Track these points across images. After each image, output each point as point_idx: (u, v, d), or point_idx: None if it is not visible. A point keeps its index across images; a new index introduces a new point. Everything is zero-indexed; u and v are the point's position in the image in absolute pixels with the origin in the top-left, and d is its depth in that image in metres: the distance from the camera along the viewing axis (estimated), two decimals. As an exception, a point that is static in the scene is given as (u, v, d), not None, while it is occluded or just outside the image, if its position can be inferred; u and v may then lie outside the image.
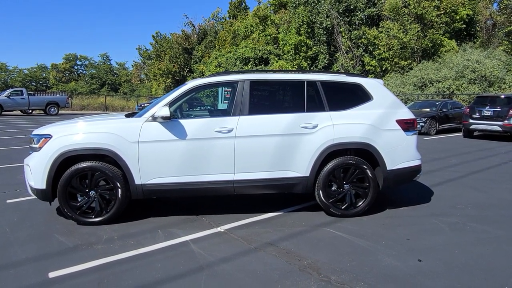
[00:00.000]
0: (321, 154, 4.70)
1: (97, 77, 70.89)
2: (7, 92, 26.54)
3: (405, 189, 6.23)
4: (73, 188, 4.46)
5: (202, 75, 37.74)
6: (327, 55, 31.05)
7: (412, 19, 27.17)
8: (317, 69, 30.00)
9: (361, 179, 4.85)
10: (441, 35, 27.81)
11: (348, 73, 5.57)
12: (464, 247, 3.92)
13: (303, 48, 31.08)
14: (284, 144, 4.68)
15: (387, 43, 27.43)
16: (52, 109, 27.41)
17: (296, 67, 30.94)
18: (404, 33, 26.91)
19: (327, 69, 30.30)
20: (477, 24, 31.09)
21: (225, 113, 5.41)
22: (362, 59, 29.66)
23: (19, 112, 27.97)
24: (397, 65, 28.03)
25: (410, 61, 27.81)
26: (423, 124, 15.04)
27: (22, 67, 72.18)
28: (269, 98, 5.33)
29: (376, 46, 28.18)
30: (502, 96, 13.78)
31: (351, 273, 3.34)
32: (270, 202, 5.47)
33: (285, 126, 4.70)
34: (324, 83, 5.00)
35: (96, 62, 75.73)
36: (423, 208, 5.26)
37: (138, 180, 4.51)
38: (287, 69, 30.02)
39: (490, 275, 3.31)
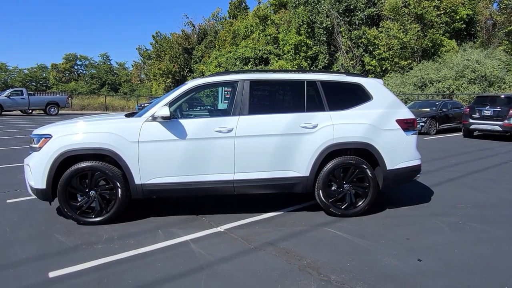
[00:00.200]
0: (321, 154, 4.71)
1: (97, 77, 70.89)
2: (7, 92, 26.55)
3: (405, 189, 6.23)
4: (73, 188, 4.46)
5: (202, 75, 37.74)
6: (327, 55, 31.05)
7: (412, 19, 27.17)
8: (317, 69, 30.00)
9: (361, 178, 4.85)
10: (441, 35, 27.81)
11: (348, 73, 5.57)
12: (464, 246, 3.92)
13: (303, 48, 31.08)
14: (284, 144, 4.68)
15: (387, 43, 27.43)
16: (52, 109, 27.41)
17: (296, 67, 30.94)
18: (404, 33, 26.91)
19: (327, 69, 30.30)
20: (477, 24, 31.09)
21: (225, 113, 5.41)
22: (362, 59, 29.65)
23: (19, 112, 27.98)
24: (397, 65, 28.03)
25: (410, 61, 27.82)
26: (423, 124, 15.04)
27: (22, 67, 72.25)
28: (269, 98, 5.33)
29: (376, 46, 28.18)
30: (502, 96, 13.79)
31: (351, 272, 3.34)
32: (270, 202, 5.47)
33: (285, 126, 4.70)
34: (324, 83, 5.00)
35: (96, 62, 75.81)
36: (423, 208, 5.27)
37: (138, 180, 4.51)
38: (287, 69, 30.03)
39: (490, 274, 3.32)
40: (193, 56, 46.72)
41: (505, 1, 29.29)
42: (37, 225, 4.55)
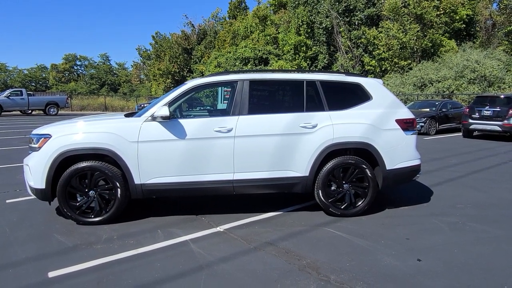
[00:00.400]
0: (320, 153, 4.70)
1: (97, 77, 70.87)
2: (7, 92, 26.55)
3: (405, 188, 6.23)
4: (72, 188, 4.46)
5: (201, 75, 37.74)
6: (326, 55, 31.07)
7: (411, 19, 27.18)
8: (316, 69, 30.01)
9: (361, 178, 4.85)
10: (440, 35, 27.83)
11: (347, 73, 5.57)
12: (464, 246, 3.92)
13: (302, 48, 31.09)
14: (284, 144, 4.68)
15: (387, 43, 27.45)
16: (52, 110, 27.41)
17: (296, 67, 30.96)
18: (404, 33, 26.92)
19: (326, 69, 30.32)
20: (477, 24, 31.11)
21: (224, 112, 5.41)
22: (361, 59, 29.67)
23: (18, 112, 27.96)
24: (396, 65, 28.04)
25: (409, 61, 27.83)
26: (422, 124, 15.05)
27: (21, 67, 72.13)
28: (268, 98, 5.33)
29: (376, 46, 28.19)
30: (502, 96, 13.79)
31: (351, 272, 3.34)
32: (269, 202, 5.47)
33: (284, 126, 4.70)
34: (323, 83, 5.00)
35: (95, 62, 75.80)
36: (422, 208, 5.26)
37: (137, 180, 4.51)
38: (286, 69, 30.03)
39: (490, 274, 3.31)
40: (192, 57, 46.75)
41: (504, 1, 29.29)
42: (37, 225, 4.54)
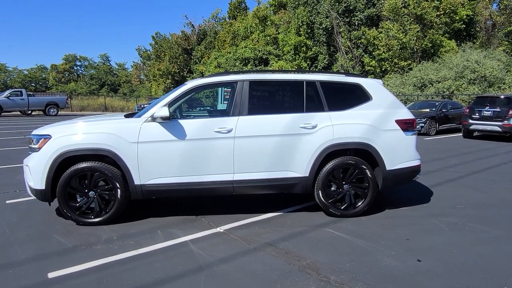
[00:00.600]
0: (320, 154, 4.70)
1: (97, 77, 70.91)
2: (7, 92, 26.55)
3: (405, 189, 6.23)
4: (72, 189, 4.46)
5: (201, 75, 37.75)
6: (326, 56, 31.08)
7: (411, 19, 27.19)
8: (316, 70, 30.01)
9: (361, 179, 4.85)
10: (440, 36, 27.84)
11: (347, 73, 5.57)
12: (464, 247, 3.92)
13: (302, 48, 31.11)
14: (284, 144, 4.68)
15: (387, 43, 27.46)
16: (52, 110, 27.41)
17: (296, 67, 30.97)
18: (404, 34, 26.93)
19: (326, 69, 30.33)
20: (477, 25, 31.13)
21: (224, 113, 5.40)
22: (361, 59, 29.69)
23: (18, 112, 27.97)
24: (396, 66, 28.06)
25: (409, 62, 27.84)
26: (422, 125, 15.05)
27: (21, 68, 72.32)
28: (268, 98, 5.33)
29: (376, 47, 28.21)
30: (502, 97, 13.79)
31: (350, 273, 3.34)
32: (269, 203, 5.46)
33: (284, 126, 4.70)
34: (323, 83, 5.00)
35: (95, 62, 75.86)
36: (422, 208, 5.26)
37: (137, 181, 4.51)
38: (286, 69, 30.04)
39: (490, 275, 3.31)
40: (192, 57, 46.75)
41: (504, 2, 29.30)
42: (37, 226, 4.54)
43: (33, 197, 4.68)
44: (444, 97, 23.20)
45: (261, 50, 34.76)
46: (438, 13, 27.17)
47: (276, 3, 40.73)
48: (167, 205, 5.42)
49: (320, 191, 4.76)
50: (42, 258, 3.65)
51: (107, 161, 4.51)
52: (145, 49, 58.14)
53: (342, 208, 4.83)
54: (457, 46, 27.86)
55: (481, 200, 5.65)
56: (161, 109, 4.50)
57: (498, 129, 13.07)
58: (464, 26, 28.73)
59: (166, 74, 46.16)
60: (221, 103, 13.60)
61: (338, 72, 6.28)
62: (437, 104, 16.44)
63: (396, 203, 5.50)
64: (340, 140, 4.75)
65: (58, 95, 33.36)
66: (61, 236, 4.22)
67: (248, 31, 38.65)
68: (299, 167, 4.72)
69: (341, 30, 29.66)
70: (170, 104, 4.66)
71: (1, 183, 6.72)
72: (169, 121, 4.55)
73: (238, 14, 45.40)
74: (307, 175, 4.72)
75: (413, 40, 26.91)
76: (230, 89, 5.95)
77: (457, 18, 27.86)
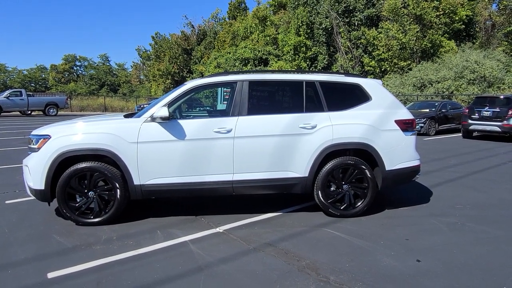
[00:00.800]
0: (320, 154, 4.70)
1: (97, 78, 70.93)
2: (6, 93, 26.53)
3: (404, 189, 6.23)
4: (72, 189, 4.45)
5: (201, 75, 37.73)
6: (326, 56, 31.09)
7: (411, 19, 27.21)
8: (316, 70, 30.01)
9: (360, 179, 4.85)
10: (440, 36, 27.85)
11: (347, 73, 5.58)
12: (463, 247, 3.92)
13: (302, 48, 31.11)
14: (283, 145, 4.68)
15: (386, 43, 27.47)
16: (51, 110, 27.40)
17: (296, 67, 30.97)
18: (403, 34, 26.94)
19: (326, 69, 30.34)
20: (476, 25, 31.15)
21: (224, 113, 5.40)
22: (361, 59, 29.70)
23: (18, 113, 27.96)
24: (396, 66, 28.07)
25: (409, 62, 27.86)
26: (422, 125, 15.05)
27: (21, 68, 72.50)
28: (268, 99, 5.33)
29: (376, 47, 28.22)
30: (501, 97, 13.80)
31: (350, 273, 3.34)
32: (269, 203, 5.46)
33: (284, 127, 4.70)
34: (323, 83, 5.00)
35: (95, 63, 75.88)
36: (422, 209, 5.27)
37: (137, 181, 4.51)
38: (286, 69, 30.04)
39: (489, 275, 3.31)
40: (192, 57, 46.74)
41: (504, 2, 29.32)
42: (36, 226, 4.54)
43: (33, 197, 4.68)
44: (444, 97, 23.21)
45: (261, 50, 34.76)
46: (437, 13, 27.19)
47: (276, 3, 40.74)
48: (167, 205, 5.42)
49: (319, 191, 4.76)
50: (42, 258, 3.64)
51: (106, 161, 4.51)
52: (144, 49, 58.21)
53: (341, 208, 4.83)
54: (457, 46, 27.88)
55: (480, 200, 5.65)
56: (160, 109, 4.50)
57: (498, 129, 13.07)
58: (464, 26, 28.76)
59: (165, 74, 46.14)
60: (220, 103, 13.61)
61: (337, 72, 6.29)
62: (436, 104, 16.45)
63: (396, 203, 5.50)
64: (340, 140, 4.75)
65: (58, 95, 33.31)
66: (60, 236, 4.22)
67: (248, 31, 38.66)
68: (298, 167, 4.72)
69: (340, 30, 29.68)
70: (169, 104, 4.66)
71: (0, 183, 6.71)
72: (169, 121, 4.55)
73: (238, 14, 45.40)
74: (306, 175, 4.72)
75: (413, 40, 26.92)
76: (229, 89, 5.95)
77: (457, 18, 27.88)
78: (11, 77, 66.42)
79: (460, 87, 23.22)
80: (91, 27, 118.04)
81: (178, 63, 46.50)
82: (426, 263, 3.54)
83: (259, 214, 4.93)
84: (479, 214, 5.02)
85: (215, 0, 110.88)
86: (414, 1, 26.76)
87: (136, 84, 66.05)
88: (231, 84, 5.02)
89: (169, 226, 4.52)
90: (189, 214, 4.99)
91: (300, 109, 4.89)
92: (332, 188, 4.83)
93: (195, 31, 49.42)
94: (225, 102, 9.56)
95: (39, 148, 4.48)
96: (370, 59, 29.00)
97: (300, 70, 6.04)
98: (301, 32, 30.99)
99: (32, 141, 4.64)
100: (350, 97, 5.05)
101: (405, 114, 5.11)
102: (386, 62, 28.34)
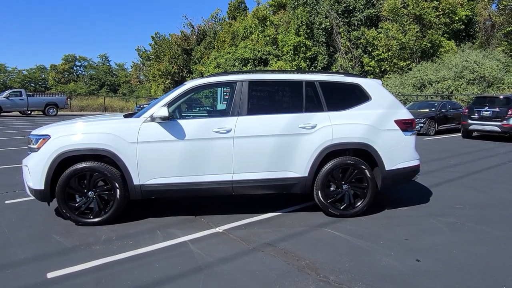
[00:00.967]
0: (319, 154, 4.70)
1: (96, 78, 70.95)
2: (6, 93, 26.53)
3: (404, 189, 6.23)
4: (71, 189, 4.45)
5: (201, 76, 37.72)
6: (326, 56, 31.08)
7: (411, 19, 27.22)
8: (316, 70, 30.01)
9: (360, 179, 4.85)
10: (440, 36, 27.86)
11: (346, 73, 5.58)
12: (463, 247, 3.92)
13: (302, 48, 31.11)
14: (283, 145, 4.68)
15: (386, 43, 27.48)
16: (51, 110, 27.40)
17: (295, 67, 30.97)
18: (403, 34, 26.94)
19: (326, 69, 30.33)
20: (476, 25, 31.15)
21: (223, 113, 5.40)
22: (361, 59, 29.70)
23: (18, 113, 27.95)
24: (396, 66, 28.07)
25: (409, 62, 27.86)
26: (422, 125, 15.06)
27: (21, 68, 72.49)
28: (267, 99, 5.33)
29: (375, 47, 28.23)
30: (501, 97, 13.80)
31: (350, 273, 3.34)
32: (268, 203, 5.46)
33: (283, 126, 4.70)
34: (322, 83, 5.00)
35: (95, 63, 75.90)
36: (421, 208, 5.27)
37: (136, 181, 4.51)
38: (285, 69, 30.03)
39: (489, 275, 3.32)
40: (192, 57, 46.73)
41: (504, 2, 29.31)
42: (36, 226, 4.54)
43: (32, 197, 4.67)
44: (444, 97, 23.22)
45: (261, 51, 34.74)
46: (437, 13, 27.20)
47: (276, 4, 40.73)
48: (166, 205, 5.42)
49: (319, 191, 4.76)
50: (41, 258, 3.64)
51: (106, 161, 4.51)
52: (144, 49, 58.19)
53: (341, 208, 4.83)
54: (456, 47, 27.89)
55: (480, 200, 5.65)
56: (160, 109, 4.49)
57: (497, 129, 13.07)
58: (463, 26, 28.77)
59: (165, 74, 46.14)
60: (220, 103, 13.61)
61: (337, 72, 6.29)
62: (436, 104, 16.46)
63: (395, 203, 5.50)
64: (339, 140, 4.75)
65: (58, 95, 33.30)
66: (60, 236, 4.22)
67: (248, 31, 38.64)
68: (298, 167, 4.72)
69: (340, 30, 29.68)
70: (169, 104, 4.66)
71: (0, 183, 6.71)
72: (168, 121, 4.55)
73: (238, 14, 45.40)
74: (306, 175, 4.72)
75: (413, 40, 26.93)
76: (229, 89, 5.95)
77: (456, 18, 27.90)
78: (11, 77, 66.44)
79: (460, 87, 23.23)
80: (91, 27, 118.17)
81: (178, 63, 46.49)
82: (426, 263, 3.54)
83: (258, 214, 4.93)
84: (478, 214, 5.02)
85: (215, 0, 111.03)
86: (414, 1, 26.77)
87: (136, 84, 66.06)
88: (230, 84, 5.01)
89: (169, 226, 4.52)
90: (189, 214, 4.99)
91: (300, 109, 4.89)
92: (331, 188, 4.83)
93: (195, 31, 49.40)
94: (225, 102, 9.56)
95: (38, 148, 4.48)
96: (370, 59, 29.00)
97: (299, 70, 6.05)
98: (301, 32, 30.99)
99: (31, 141, 4.64)
100: (350, 97, 5.05)
101: (405, 114, 5.12)
102: (386, 62, 28.35)
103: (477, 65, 23.34)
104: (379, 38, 27.85)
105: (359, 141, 4.80)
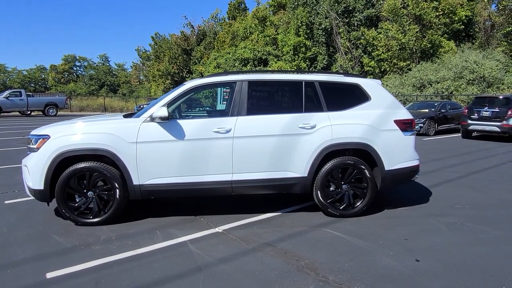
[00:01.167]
0: (319, 154, 4.70)
1: (96, 78, 70.92)
2: (6, 93, 26.54)
3: (404, 189, 6.23)
4: (71, 189, 4.45)
5: (201, 76, 37.70)
6: (326, 56, 31.08)
7: (410, 20, 27.22)
8: (316, 70, 30.01)
9: (359, 179, 4.85)
10: (439, 36, 27.86)
11: (346, 74, 5.58)
12: (462, 247, 3.92)
13: (302, 49, 31.11)
14: (282, 145, 4.68)
15: (386, 44, 27.48)
16: (51, 110, 27.40)
17: (295, 68, 30.96)
18: (403, 34, 26.94)
19: (326, 70, 30.33)
20: (476, 25, 31.17)
21: (223, 113, 5.39)
22: (361, 60, 29.70)
23: (17, 113, 27.95)
24: (396, 66, 28.07)
25: (409, 62, 27.86)
26: (422, 125, 15.06)
27: (21, 68, 72.42)
28: (267, 99, 5.33)
29: (375, 47, 28.23)
30: (501, 97, 13.80)
31: (349, 273, 3.34)
32: (268, 203, 5.46)
33: (283, 127, 4.70)
34: (322, 83, 5.00)
35: (95, 63, 75.84)
36: (421, 209, 5.27)
37: (136, 181, 4.51)
38: (285, 69, 30.01)
39: (488, 275, 3.31)
40: (192, 57, 46.72)
41: (503, 2, 29.31)
42: (35, 226, 4.54)
43: (32, 198, 4.67)
44: (443, 97, 23.22)
45: (261, 51, 34.74)
46: (437, 13, 27.20)
47: (276, 4, 40.72)
48: (166, 205, 5.42)
49: (319, 191, 4.76)
50: (41, 258, 3.64)
51: (105, 161, 4.51)
52: (144, 49, 58.20)
53: (341, 208, 4.83)
54: (456, 47, 27.89)
55: (480, 200, 5.65)
56: (159, 109, 4.49)
57: (497, 129, 13.08)
58: (463, 26, 28.77)
59: (165, 74, 46.13)
60: (220, 103, 13.61)
61: (337, 72, 6.29)
62: (436, 104, 16.46)
63: (395, 203, 5.50)
64: (339, 140, 4.75)
65: (58, 95, 33.32)
66: (59, 236, 4.21)
67: (248, 31, 38.63)
68: (298, 167, 4.72)
69: (340, 30, 29.68)
70: (169, 104, 4.66)
71: (0, 183, 6.71)
72: (168, 121, 4.54)
73: (238, 14, 45.38)
74: (306, 175, 4.72)
75: (412, 40, 26.92)
76: (229, 89, 5.95)
77: (456, 18, 27.89)
78: (11, 77, 66.42)
79: (460, 87, 23.23)
80: (91, 27, 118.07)
81: (178, 64, 46.48)
82: (425, 263, 3.54)
83: (258, 214, 4.93)
84: (478, 214, 5.02)
85: (215, 0, 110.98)
86: (414, 2, 26.77)
87: (135, 84, 66.03)
88: (230, 84, 5.01)
89: (168, 226, 4.52)
90: (188, 214, 4.99)
91: (300, 109, 4.89)
92: (331, 188, 4.83)
93: (194, 31, 49.38)
94: (225, 102, 9.57)
95: (38, 148, 4.48)
96: (370, 60, 29.00)
97: (299, 70, 6.05)
98: (301, 33, 30.99)
99: (31, 141, 4.64)
100: (350, 97, 5.04)
101: (405, 114, 5.12)
102: (386, 62, 28.35)
103: (477, 65, 23.35)
104: (379, 38, 27.85)
105: (358, 141, 4.80)
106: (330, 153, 4.75)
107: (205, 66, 40.27)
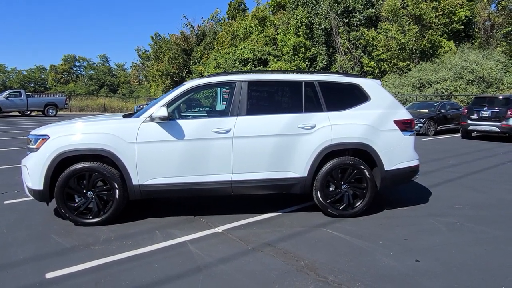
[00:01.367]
0: (319, 154, 4.70)
1: (96, 78, 70.91)
2: (6, 93, 26.54)
3: (403, 189, 6.23)
4: (70, 189, 4.45)
5: (201, 76, 37.70)
6: (325, 56, 31.10)
7: (410, 20, 27.23)
8: (315, 70, 30.00)
9: (359, 179, 4.85)
10: (439, 36, 27.87)
11: (346, 74, 5.58)
12: (462, 247, 3.92)
13: (301, 49, 31.13)
14: (282, 145, 4.67)
15: (386, 44, 27.48)
16: (51, 110, 27.40)
17: (295, 68, 30.97)
18: (403, 34, 26.95)
19: (325, 70, 30.33)
20: (475, 25, 31.18)
21: (223, 113, 5.39)
22: (360, 60, 29.71)
23: (17, 113, 27.94)
24: (395, 66, 28.08)
25: (408, 62, 27.87)
26: (421, 125, 15.07)
27: (20, 68, 72.32)
28: (267, 99, 5.33)
29: (375, 47, 28.23)
30: (500, 97, 13.81)
31: (349, 273, 3.34)
32: (268, 203, 5.46)
33: (283, 127, 4.70)
34: (321, 84, 5.00)
35: (94, 63, 75.82)
36: (421, 209, 5.27)
37: (135, 181, 4.50)
38: (285, 69, 30.01)
39: (488, 275, 3.31)
40: (192, 57, 46.73)
41: (503, 3, 29.31)
42: (35, 226, 4.53)
43: (31, 198, 4.67)
44: (443, 97, 23.24)
45: (260, 51, 34.75)
46: (436, 13, 27.21)
47: (275, 4, 40.74)
48: (166, 205, 5.42)
49: (318, 191, 4.76)
50: (40, 259, 3.64)
51: (105, 161, 4.51)
52: (144, 49, 58.24)
53: (340, 208, 4.83)
54: (456, 47, 27.90)
55: (479, 201, 5.66)
56: (159, 109, 4.49)
57: (497, 129, 13.08)
58: (463, 26, 28.78)
59: (165, 74, 46.14)
60: (220, 104, 13.61)
61: (336, 73, 6.29)
62: (435, 104, 16.47)
63: (395, 203, 5.50)
64: (339, 140, 4.75)
65: (57, 95, 33.32)
66: (59, 236, 4.21)
67: (247, 31, 38.65)
68: (297, 167, 4.72)
69: (340, 30, 29.69)
70: (168, 104, 4.66)
71: (0, 183, 6.72)
72: (168, 121, 4.54)
73: (237, 14, 45.41)
74: (305, 175, 4.72)
75: (412, 40, 26.94)
76: (228, 89, 5.95)
77: (456, 18, 27.91)
78: (11, 77, 66.37)
79: (459, 88, 23.24)
80: (90, 27, 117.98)
81: (178, 64, 46.49)
82: (425, 263, 3.54)
83: (258, 214, 4.93)
84: (478, 214, 5.02)
85: (214, 1, 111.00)
86: (413, 2, 26.78)
87: (135, 84, 66.02)
88: (230, 84, 5.01)
89: (168, 226, 4.52)
90: (188, 214, 4.99)
91: (299, 109, 4.89)
92: (331, 188, 4.83)
93: (194, 31, 49.40)
94: (225, 102, 9.57)
95: (37, 148, 4.48)
96: (369, 60, 29.01)
97: (299, 70, 6.05)
98: (301, 33, 31.01)
99: (30, 141, 4.64)
100: (349, 97, 5.05)
101: (404, 114, 5.12)
102: (385, 62, 28.35)
103: (477, 65, 23.36)
104: (379, 39, 27.86)
105: (358, 141, 4.80)
106: (329, 153, 4.75)
107: (205, 66, 40.28)
